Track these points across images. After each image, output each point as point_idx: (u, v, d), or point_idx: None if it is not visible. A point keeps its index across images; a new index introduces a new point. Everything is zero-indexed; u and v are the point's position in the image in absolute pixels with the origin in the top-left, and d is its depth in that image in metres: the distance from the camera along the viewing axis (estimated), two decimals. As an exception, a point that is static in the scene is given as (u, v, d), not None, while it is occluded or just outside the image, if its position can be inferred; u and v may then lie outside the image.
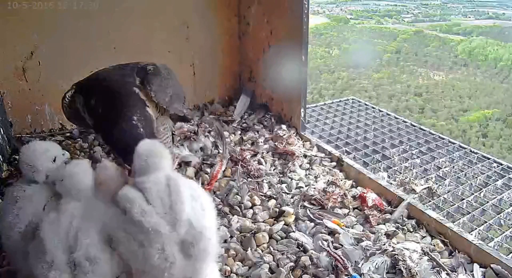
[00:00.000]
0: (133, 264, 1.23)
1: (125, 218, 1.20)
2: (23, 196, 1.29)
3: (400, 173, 2.68)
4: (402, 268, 1.60)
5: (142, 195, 1.21)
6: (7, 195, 1.32)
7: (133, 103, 1.66)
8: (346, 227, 1.91)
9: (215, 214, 1.33)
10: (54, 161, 1.34)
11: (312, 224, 1.93)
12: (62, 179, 1.27)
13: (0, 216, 1.28)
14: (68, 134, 2.82)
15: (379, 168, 2.74)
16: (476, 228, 2.11)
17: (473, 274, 1.65)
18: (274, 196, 2.14)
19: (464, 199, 2.40)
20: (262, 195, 2.16)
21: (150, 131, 1.63)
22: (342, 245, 1.74)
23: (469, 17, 42.23)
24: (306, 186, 2.24)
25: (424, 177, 2.64)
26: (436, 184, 2.53)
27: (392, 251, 1.69)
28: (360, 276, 1.58)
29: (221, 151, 2.47)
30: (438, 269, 1.64)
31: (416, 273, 1.59)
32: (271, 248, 1.77)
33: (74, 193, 1.26)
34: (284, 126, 2.86)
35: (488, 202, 2.39)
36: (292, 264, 1.66)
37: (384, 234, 1.86)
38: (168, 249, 1.19)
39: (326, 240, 1.77)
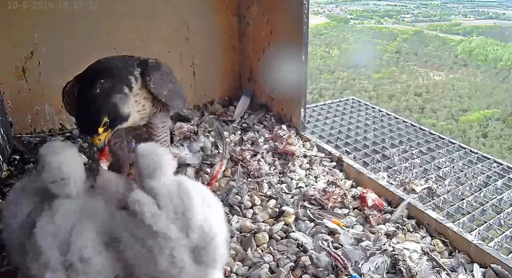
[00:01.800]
0: (141, 269, 1.22)
1: (134, 222, 1.20)
2: (25, 187, 1.35)
3: (400, 173, 2.68)
4: (402, 268, 1.60)
5: (153, 200, 1.22)
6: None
7: (114, 77, 1.54)
8: (346, 227, 1.91)
9: (225, 220, 1.34)
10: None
11: (312, 224, 1.93)
12: (45, 169, 1.29)
13: (5, 204, 1.32)
14: (68, 134, 2.82)
15: (379, 168, 2.74)
16: (476, 228, 2.11)
17: (473, 274, 1.65)
18: (274, 196, 2.14)
19: (464, 199, 2.40)
20: (262, 195, 2.16)
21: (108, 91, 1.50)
22: (342, 245, 1.74)
23: (469, 17, 42.27)
24: (306, 186, 2.24)
25: (424, 177, 2.64)
26: (436, 184, 2.53)
27: (392, 251, 1.69)
28: (360, 276, 1.58)
29: (221, 151, 2.47)
30: (438, 269, 1.65)
31: (416, 273, 1.59)
32: (271, 248, 1.77)
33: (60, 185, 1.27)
34: (284, 126, 2.86)
35: (488, 202, 2.39)
36: (292, 264, 1.66)
37: (384, 234, 1.86)
38: (177, 254, 1.19)
39: (326, 240, 1.77)
